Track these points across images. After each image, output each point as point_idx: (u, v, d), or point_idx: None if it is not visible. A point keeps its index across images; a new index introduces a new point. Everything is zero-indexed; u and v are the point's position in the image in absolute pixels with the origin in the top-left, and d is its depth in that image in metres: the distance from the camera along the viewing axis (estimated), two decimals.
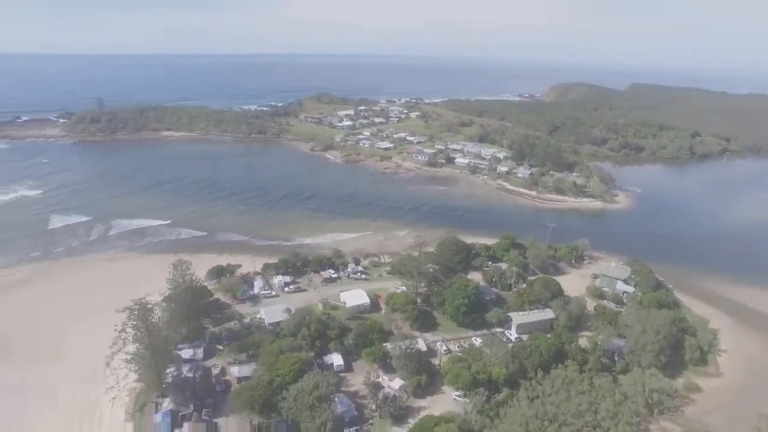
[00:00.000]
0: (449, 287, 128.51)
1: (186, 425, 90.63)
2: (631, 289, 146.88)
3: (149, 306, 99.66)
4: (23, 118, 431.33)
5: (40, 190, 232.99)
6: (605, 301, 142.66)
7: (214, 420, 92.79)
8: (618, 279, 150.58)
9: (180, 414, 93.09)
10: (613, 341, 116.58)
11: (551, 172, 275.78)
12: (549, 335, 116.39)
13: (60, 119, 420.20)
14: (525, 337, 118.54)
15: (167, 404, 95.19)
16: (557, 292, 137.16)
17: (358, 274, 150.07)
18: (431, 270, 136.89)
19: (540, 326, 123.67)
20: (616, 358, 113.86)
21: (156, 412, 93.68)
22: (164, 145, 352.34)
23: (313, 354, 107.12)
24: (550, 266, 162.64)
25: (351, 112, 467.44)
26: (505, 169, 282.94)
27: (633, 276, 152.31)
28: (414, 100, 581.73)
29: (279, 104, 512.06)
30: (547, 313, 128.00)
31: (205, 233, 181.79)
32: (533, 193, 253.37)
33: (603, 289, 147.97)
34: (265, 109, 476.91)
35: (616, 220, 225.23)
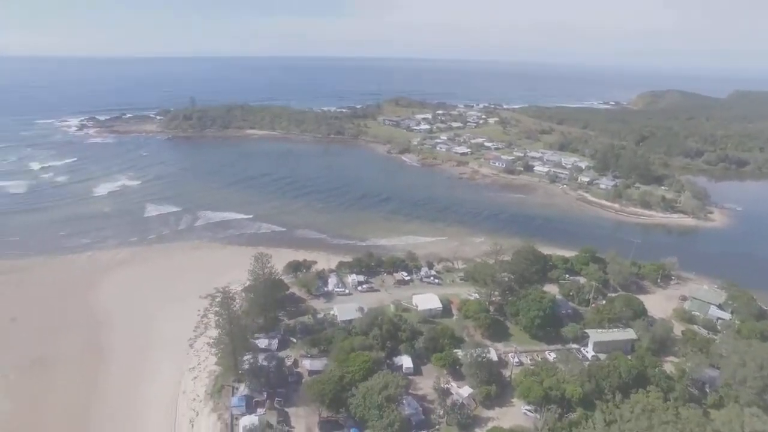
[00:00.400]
0: (524, 298, 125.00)
1: (259, 410, 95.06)
2: (727, 315, 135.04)
3: (232, 295, 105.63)
4: (128, 115, 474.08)
5: (140, 181, 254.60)
6: (695, 326, 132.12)
7: (285, 409, 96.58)
8: (711, 303, 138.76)
9: (254, 400, 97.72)
10: (704, 370, 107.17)
11: (637, 185, 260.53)
12: (629, 357, 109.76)
13: (157, 116, 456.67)
14: (603, 356, 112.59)
15: (243, 389, 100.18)
16: (640, 312, 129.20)
17: (431, 278, 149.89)
18: (506, 279, 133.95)
19: (619, 346, 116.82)
20: (707, 390, 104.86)
21: (233, 395, 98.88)
22: (248, 142, 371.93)
23: (383, 354, 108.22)
24: (632, 284, 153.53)
25: (428, 115, 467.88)
26: (587, 179, 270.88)
27: (729, 302, 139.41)
28: (492, 106, 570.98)
29: (358, 106, 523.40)
30: (628, 333, 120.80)
31: (284, 229, 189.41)
32: (616, 205, 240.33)
33: (693, 313, 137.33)
34: (344, 110, 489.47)
35: (710, 239, 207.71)
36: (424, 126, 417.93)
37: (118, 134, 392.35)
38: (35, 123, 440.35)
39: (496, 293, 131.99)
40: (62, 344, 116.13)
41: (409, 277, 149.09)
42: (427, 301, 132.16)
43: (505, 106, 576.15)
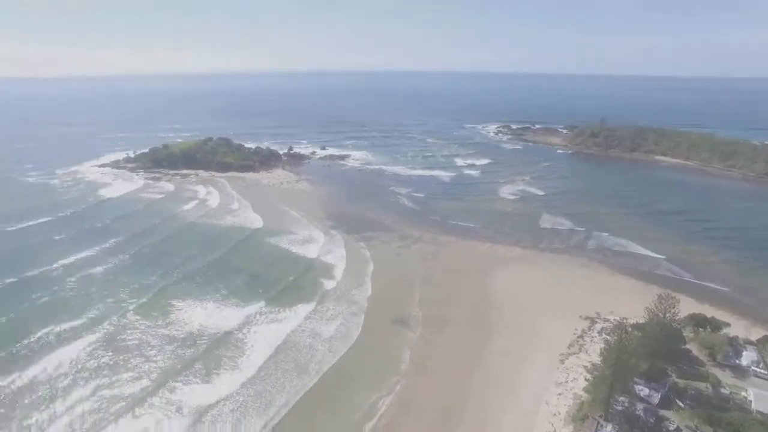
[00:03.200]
0: None
1: None
2: None
3: (627, 328, 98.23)
4: (537, 126, 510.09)
5: (540, 191, 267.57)
6: None
7: None
8: None
9: None
10: None
11: None
12: None
13: (564, 130, 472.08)
14: None
15: (609, 430, 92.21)
16: None
17: None
18: None
19: None
20: None
21: (596, 431, 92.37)
22: (656, 169, 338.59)
23: None
24: None
25: None
26: None
27: None
28: None
29: None
30: None
31: (691, 276, 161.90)
32: None
33: None
34: None
35: None
36: None
37: (526, 143, 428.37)
38: (464, 126, 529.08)
39: None
40: (459, 311, 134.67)
41: None
42: None
43: None
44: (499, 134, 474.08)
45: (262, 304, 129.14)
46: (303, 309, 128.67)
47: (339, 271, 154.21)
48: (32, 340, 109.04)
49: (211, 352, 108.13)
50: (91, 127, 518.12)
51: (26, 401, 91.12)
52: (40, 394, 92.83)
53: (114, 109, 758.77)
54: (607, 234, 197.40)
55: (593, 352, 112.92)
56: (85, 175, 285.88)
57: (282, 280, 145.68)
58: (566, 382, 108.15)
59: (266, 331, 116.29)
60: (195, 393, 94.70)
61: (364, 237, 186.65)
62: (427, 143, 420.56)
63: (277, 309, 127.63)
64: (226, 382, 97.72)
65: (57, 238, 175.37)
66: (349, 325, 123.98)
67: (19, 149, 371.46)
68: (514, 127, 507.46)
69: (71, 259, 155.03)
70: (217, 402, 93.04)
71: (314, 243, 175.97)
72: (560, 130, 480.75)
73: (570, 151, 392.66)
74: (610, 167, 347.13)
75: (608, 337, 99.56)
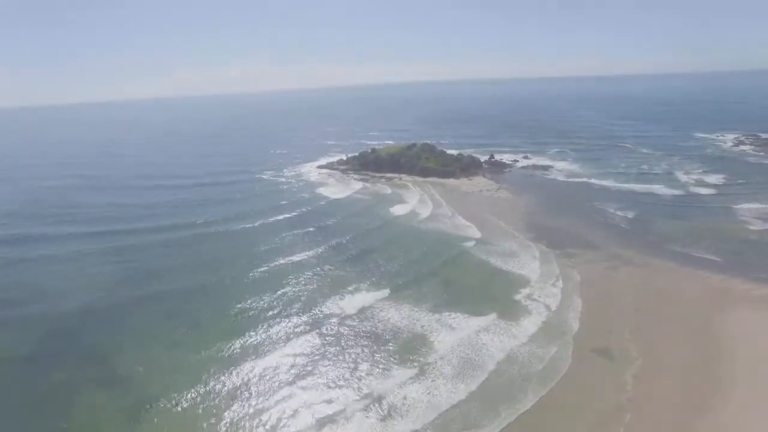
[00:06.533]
0: None
1: None
2: None
3: None
4: None
5: None
6: None
7: None
8: None
9: None
10: None
11: None
12: None
13: None
14: None
15: None
16: None
17: None
18: None
19: None
20: None
21: None
22: None
23: None
24: None
25: None
26: None
27: None
28: None
29: None
30: None
31: None
32: None
33: None
34: None
35: None
36: None
37: None
38: (692, 136, 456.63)
39: None
40: (678, 353, 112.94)
41: None
42: None
43: None
44: (740, 146, 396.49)
45: (478, 322, 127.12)
46: (516, 333, 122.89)
47: (553, 294, 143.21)
48: (268, 326, 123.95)
49: (429, 364, 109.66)
50: (312, 133, 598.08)
51: (264, 385, 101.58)
52: (278, 379, 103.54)
53: (336, 116, 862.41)
54: None
55: None
56: (306, 175, 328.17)
57: (498, 299, 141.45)
58: None
59: (480, 351, 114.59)
60: (416, 401, 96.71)
61: (567, 253, 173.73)
62: (643, 155, 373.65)
63: (491, 329, 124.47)
64: (439, 398, 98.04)
65: (287, 234, 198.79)
66: (560, 355, 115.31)
67: (256, 152, 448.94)
68: (763, 136, 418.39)
69: (302, 256, 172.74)
70: (435, 415, 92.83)
71: (522, 258, 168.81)
72: None
73: None
74: None
75: None
